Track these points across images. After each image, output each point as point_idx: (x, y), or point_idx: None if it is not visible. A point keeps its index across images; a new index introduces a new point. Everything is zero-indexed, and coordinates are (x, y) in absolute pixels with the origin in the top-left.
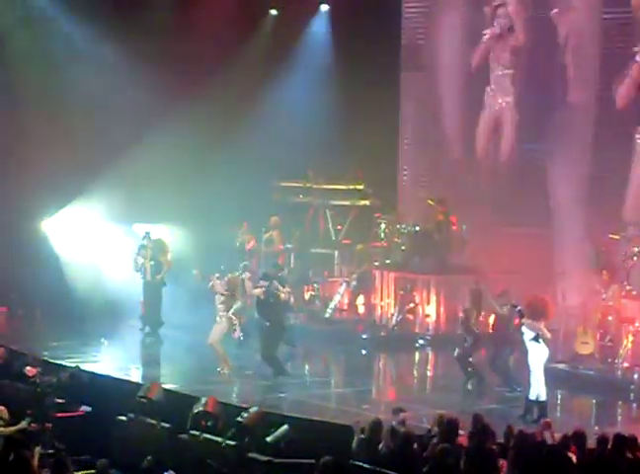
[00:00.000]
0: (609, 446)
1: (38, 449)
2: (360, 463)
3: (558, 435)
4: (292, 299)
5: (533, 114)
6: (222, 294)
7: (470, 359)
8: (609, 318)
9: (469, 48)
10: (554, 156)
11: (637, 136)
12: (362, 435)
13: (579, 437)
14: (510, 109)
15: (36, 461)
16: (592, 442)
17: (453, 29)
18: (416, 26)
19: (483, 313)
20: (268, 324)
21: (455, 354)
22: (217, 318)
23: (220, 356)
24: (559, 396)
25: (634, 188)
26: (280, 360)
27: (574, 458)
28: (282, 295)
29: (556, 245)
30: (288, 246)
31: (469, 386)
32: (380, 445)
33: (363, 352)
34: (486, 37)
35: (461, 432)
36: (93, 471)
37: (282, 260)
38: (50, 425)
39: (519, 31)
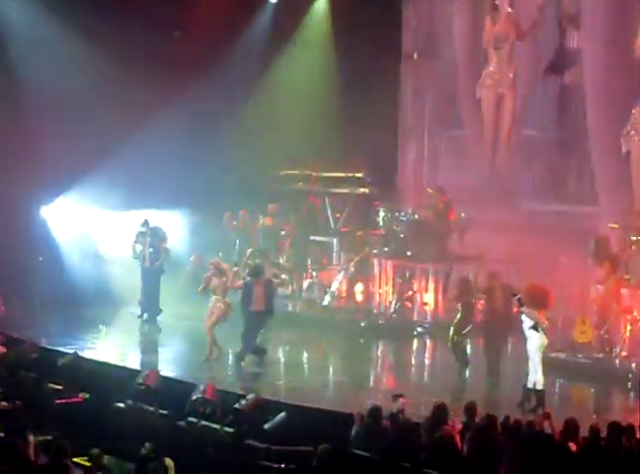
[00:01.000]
0: (606, 435)
1: (31, 437)
2: (359, 451)
3: (558, 425)
4: (290, 287)
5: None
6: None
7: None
8: (609, 308)
9: (472, 36)
10: (556, 143)
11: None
12: (362, 423)
13: (571, 427)
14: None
15: (32, 448)
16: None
17: (456, 16)
18: (417, 12)
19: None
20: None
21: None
22: (210, 304)
23: (208, 343)
24: (557, 385)
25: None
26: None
27: (573, 448)
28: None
29: (555, 233)
30: (282, 233)
31: (466, 374)
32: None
33: (361, 340)
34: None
35: (456, 420)
36: (90, 457)
37: (288, 245)
38: (20, 403)
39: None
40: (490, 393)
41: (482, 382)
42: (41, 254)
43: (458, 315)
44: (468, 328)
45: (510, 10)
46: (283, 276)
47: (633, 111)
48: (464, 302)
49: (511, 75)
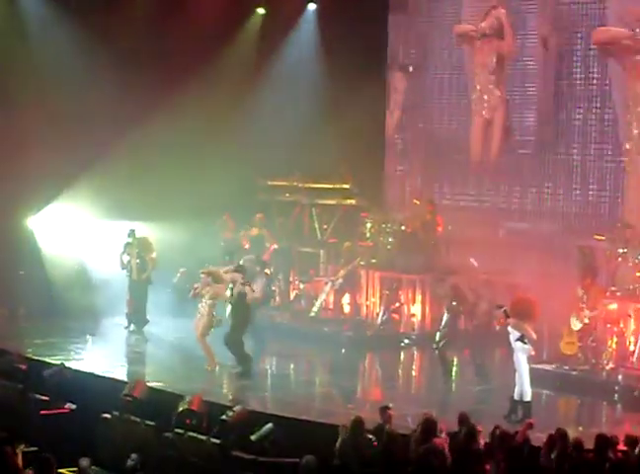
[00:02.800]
0: (593, 447)
1: (21, 447)
2: (344, 463)
3: (542, 436)
4: (278, 298)
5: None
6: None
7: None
8: (591, 320)
9: (459, 47)
10: (541, 155)
11: None
12: (346, 435)
13: (561, 438)
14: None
15: (20, 459)
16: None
17: (443, 27)
18: (405, 25)
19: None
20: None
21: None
22: (198, 313)
23: (206, 353)
24: (544, 396)
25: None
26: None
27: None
28: (250, 294)
29: (542, 245)
30: (275, 246)
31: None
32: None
33: (342, 350)
34: (473, 29)
35: (442, 434)
36: (76, 469)
37: (268, 256)
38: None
39: (508, 37)
40: (477, 404)
41: (469, 393)
42: (27, 264)
43: (443, 322)
44: (443, 341)
45: (489, 33)
46: (273, 288)
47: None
48: (451, 310)
49: (497, 98)
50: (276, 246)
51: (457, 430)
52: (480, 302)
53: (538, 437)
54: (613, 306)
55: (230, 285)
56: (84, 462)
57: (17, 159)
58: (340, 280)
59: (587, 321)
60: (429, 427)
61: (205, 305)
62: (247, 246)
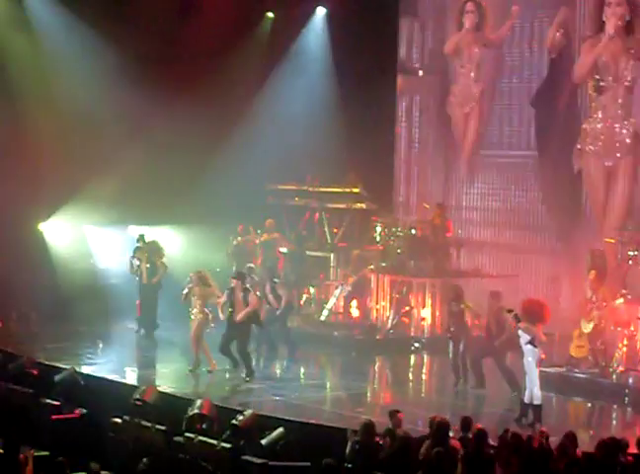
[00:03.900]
0: (603, 451)
1: (32, 452)
2: (354, 466)
3: (553, 440)
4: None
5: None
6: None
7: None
8: (600, 321)
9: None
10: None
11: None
12: (355, 438)
13: (570, 442)
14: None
15: (30, 464)
16: (586, 447)
17: (451, 31)
18: (416, 28)
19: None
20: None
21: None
22: (191, 316)
23: (205, 355)
24: (554, 400)
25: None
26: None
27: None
28: (251, 299)
29: (552, 248)
30: (284, 250)
31: (458, 388)
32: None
33: (353, 354)
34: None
35: (451, 434)
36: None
37: (282, 264)
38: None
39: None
40: (486, 408)
41: (479, 397)
42: (38, 269)
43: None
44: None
45: (468, 27)
46: (280, 292)
47: (583, 126)
48: (452, 310)
49: (476, 93)
50: (284, 249)
51: (462, 434)
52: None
53: (549, 441)
54: (620, 301)
55: (227, 291)
56: (93, 466)
57: (28, 164)
58: (349, 288)
59: (596, 322)
60: (442, 429)
61: (197, 306)
62: (259, 250)
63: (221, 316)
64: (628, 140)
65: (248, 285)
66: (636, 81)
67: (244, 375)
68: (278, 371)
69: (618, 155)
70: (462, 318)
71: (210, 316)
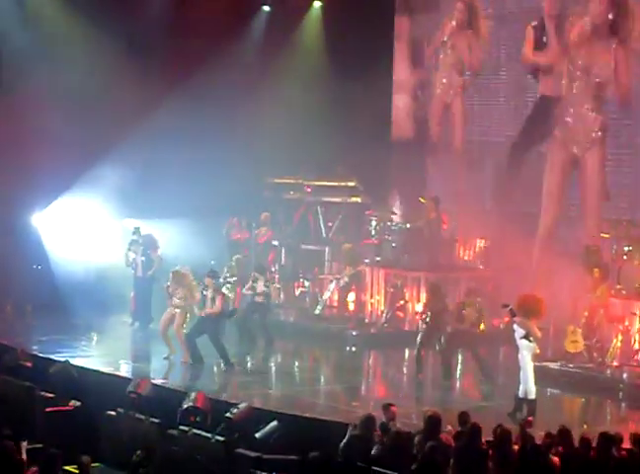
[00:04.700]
0: (595, 445)
1: (24, 444)
2: (350, 460)
3: (541, 434)
4: (282, 296)
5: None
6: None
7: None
8: (597, 317)
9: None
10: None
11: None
12: (355, 432)
13: (564, 436)
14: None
15: (24, 456)
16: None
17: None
18: (411, 22)
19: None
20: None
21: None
22: (171, 308)
23: (181, 346)
24: (548, 394)
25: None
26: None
27: (555, 459)
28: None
29: (546, 243)
30: (275, 243)
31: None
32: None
33: (353, 348)
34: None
35: (449, 427)
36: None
37: (273, 256)
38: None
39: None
40: (481, 402)
41: (473, 391)
42: (33, 261)
43: (426, 324)
44: (418, 340)
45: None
46: (276, 286)
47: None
48: (433, 309)
49: (459, 81)
50: (276, 243)
51: (460, 428)
52: (470, 306)
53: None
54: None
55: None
56: (85, 459)
57: (23, 155)
58: (345, 279)
59: (589, 317)
60: (434, 423)
61: (178, 301)
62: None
63: (196, 311)
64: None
65: (225, 285)
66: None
67: (222, 367)
68: (272, 365)
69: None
70: (441, 314)
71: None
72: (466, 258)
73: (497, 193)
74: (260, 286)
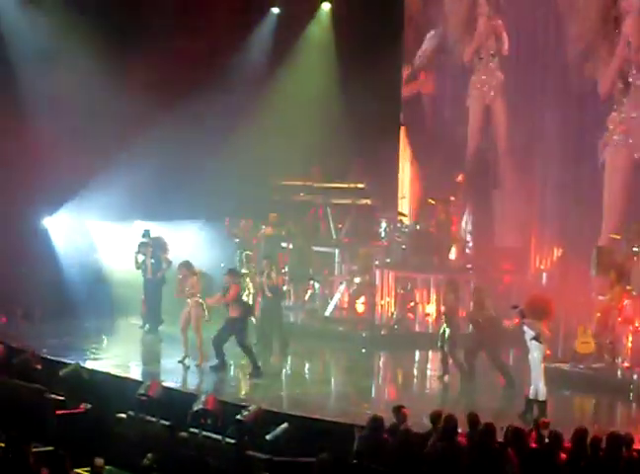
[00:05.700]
0: (605, 445)
1: (30, 446)
2: (361, 461)
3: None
4: (292, 297)
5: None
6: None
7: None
8: (611, 318)
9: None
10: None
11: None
12: (363, 433)
13: (579, 436)
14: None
15: (30, 458)
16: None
17: (458, 24)
18: (421, 22)
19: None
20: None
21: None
22: (187, 307)
23: (198, 348)
24: (559, 396)
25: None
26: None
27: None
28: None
29: (556, 244)
30: (284, 245)
31: (445, 379)
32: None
33: (363, 350)
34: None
35: (459, 430)
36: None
37: (284, 258)
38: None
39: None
40: (491, 403)
41: (484, 392)
42: (43, 265)
43: (444, 324)
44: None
45: (487, 18)
46: (285, 288)
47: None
48: (449, 306)
49: (496, 84)
50: (284, 244)
51: (469, 429)
52: (481, 303)
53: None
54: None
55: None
56: (98, 461)
57: (32, 160)
58: (357, 282)
59: (602, 318)
60: (450, 424)
61: (191, 299)
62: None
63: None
64: None
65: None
66: None
67: (250, 373)
68: (282, 367)
69: None
70: (455, 311)
71: (205, 308)
72: (542, 267)
73: None
74: (273, 275)
